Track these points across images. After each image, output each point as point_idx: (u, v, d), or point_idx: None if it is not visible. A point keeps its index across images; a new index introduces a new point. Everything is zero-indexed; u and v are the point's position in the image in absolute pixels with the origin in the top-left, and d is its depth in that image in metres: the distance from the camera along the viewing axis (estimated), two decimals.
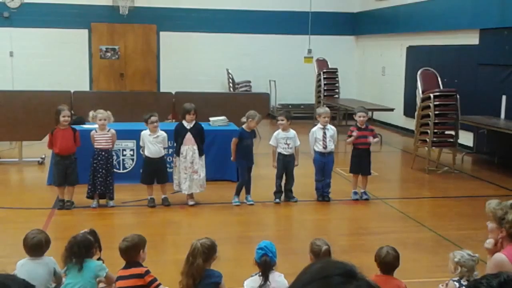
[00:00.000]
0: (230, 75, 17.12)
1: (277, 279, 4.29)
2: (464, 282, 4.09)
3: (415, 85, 11.73)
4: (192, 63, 17.65)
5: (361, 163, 8.64)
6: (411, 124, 13.13)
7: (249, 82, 17.54)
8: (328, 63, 17.22)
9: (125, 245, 4.43)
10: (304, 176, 8.87)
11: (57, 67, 16.81)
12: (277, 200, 8.41)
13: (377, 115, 15.57)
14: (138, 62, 17.86)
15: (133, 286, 4.36)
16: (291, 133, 8.37)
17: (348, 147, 9.48)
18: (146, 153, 8.15)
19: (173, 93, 11.19)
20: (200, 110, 9.52)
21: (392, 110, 14.75)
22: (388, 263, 4.29)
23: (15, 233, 5.99)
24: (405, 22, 15.39)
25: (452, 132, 10.89)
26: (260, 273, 4.27)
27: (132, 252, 4.43)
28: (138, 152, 9.16)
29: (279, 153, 8.33)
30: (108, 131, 8.03)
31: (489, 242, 4.37)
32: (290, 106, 17.48)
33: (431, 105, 10.61)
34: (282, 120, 8.38)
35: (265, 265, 4.25)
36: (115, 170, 8.38)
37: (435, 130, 10.75)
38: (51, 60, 16.82)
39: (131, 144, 9.32)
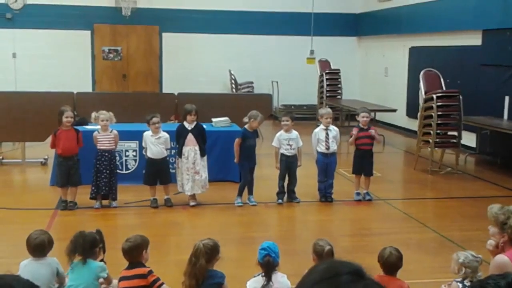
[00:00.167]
0: (233, 76, 17.13)
1: (280, 279, 4.29)
2: (467, 283, 4.09)
3: (418, 86, 11.73)
4: (194, 64, 17.66)
5: (363, 164, 8.64)
6: (413, 125, 13.11)
7: (252, 83, 17.55)
8: (331, 64, 17.21)
9: (128, 246, 4.44)
10: (307, 177, 8.87)
11: (59, 68, 16.83)
12: (280, 200, 8.41)
13: (379, 116, 15.56)
14: (141, 63, 17.89)
15: (136, 286, 4.36)
16: (293, 134, 8.37)
17: (350, 148, 9.47)
18: (148, 154, 8.15)
19: (176, 94, 11.20)
20: (202, 111, 9.52)
21: (394, 111, 14.75)
22: (391, 263, 4.29)
23: (18, 234, 5.99)
24: (408, 23, 15.38)
25: (455, 133, 10.87)
26: (263, 274, 4.27)
27: (135, 252, 4.44)
28: (140, 153, 9.16)
29: (282, 154, 8.33)
30: (110, 132, 8.04)
31: (490, 244, 4.36)
32: (292, 107, 17.48)
33: (434, 105, 10.60)
34: (287, 121, 8.37)
35: (268, 266, 4.25)
36: (117, 171, 8.39)
37: (438, 131, 10.74)
38: (53, 61, 16.85)
39: (133, 145, 9.33)
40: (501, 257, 3.93)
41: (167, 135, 8.14)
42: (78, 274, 4.43)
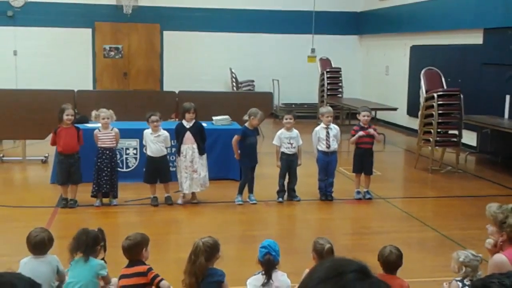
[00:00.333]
0: (234, 74, 17.12)
1: (280, 278, 4.30)
2: (467, 282, 4.09)
3: (419, 85, 11.72)
4: (195, 62, 17.66)
5: (363, 162, 8.64)
6: (414, 123, 13.11)
7: (253, 81, 17.55)
8: (332, 62, 17.21)
9: (128, 244, 4.45)
10: (307, 175, 8.87)
11: (60, 66, 16.84)
12: (280, 199, 8.41)
13: (380, 115, 15.55)
14: (142, 61, 17.89)
15: (136, 284, 4.37)
16: (294, 133, 8.37)
17: (351, 147, 9.47)
18: (148, 152, 8.17)
19: (177, 92, 11.19)
20: (203, 109, 9.52)
21: (395, 109, 14.74)
22: (391, 262, 4.29)
23: (18, 232, 6.00)
24: (409, 21, 15.37)
25: (456, 132, 10.87)
26: (263, 272, 4.28)
27: (135, 250, 4.45)
28: (141, 151, 9.18)
29: (282, 153, 8.32)
30: (111, 130, 8.04)
31: (489, 243, 4.36)
32: (293, 106, 17.47)
33: (435, 104, 10.59)
34: (291, 119, 8.37)
35: (268, 264, 4.25)
36: (118, 169, 8.39)
37: (439, 130, 10.73)
38: (54, 59, 16.85)
39: (134, 143, 9.33)
40: (500, 256, 3.93)
41: (166, 134, 8.13)
42: (78, 271, 4.44)
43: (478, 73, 12.22)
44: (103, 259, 4.62)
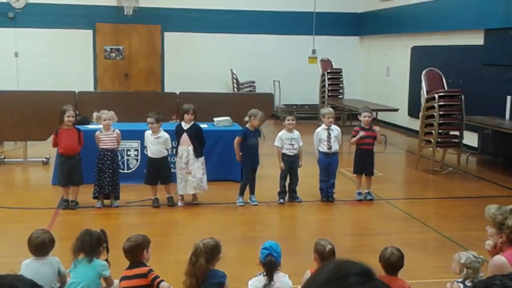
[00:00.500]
0: (234, 75, 17.13)
1: (281, 279, 4.30)
2: (468, 284, 4.08)
3: (420, 86, 11.72)
4: (196, 63, 17.66)
5: (364, 163, 8.63)
6: (415, 124, 13.10)
7: (253, 82, 17.55)
8: (333, 63, 17.21)
9: (129, 245, 4.45)
10: (308, 176, 8.87)
11: (61, 68, 16.85)
12: (281, 200, 8.41)
13: (381, 116, 15.54)
14: (143, 63, 17.89)
15: (137, 286, 4.37)
16: (295, 134, 8.37)
17: (352, 148, 9.46)
18: (148, 153, 8.18)
19: (178, 93, 11.20)
20: (204, 111, 9.52)
21: (396, 110, 14.74)
22: (392, 263, 4.29)
23: (19, 233, 6.01)
24: (410, 22, 15.36)
25: (457, 133, 10.86)
26: (265, 273, 4.27)
27: (136, 252, 4.45)
28: (142, 152, 9.19)
29: (284, 154, 8.32)
30: (113, 131, 8.04)
31: (488, 244, 4.36)
32: (294, 107, 17.48)
33: (436, 105, 10.59)
34: (293, 120, 8.36)
35: (270, 265, 4.25)
36: (120, 170, 8.38)
37: (440, 131, 10.73)
38: (55, 60, 16.86)
39: (135, 144, 9.34)
40: (499, 258, 3.93)
41: (167, 136, 8.10)
42: (81, 271, 4.45)
43: (479, 74, 12.21)
44: (106, 260, 4.62)
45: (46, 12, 16.80)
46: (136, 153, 9.38)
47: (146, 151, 8.34)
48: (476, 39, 12.36)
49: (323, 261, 4.25)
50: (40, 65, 16.69)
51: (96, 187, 7.96)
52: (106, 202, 8.07)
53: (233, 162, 8.80)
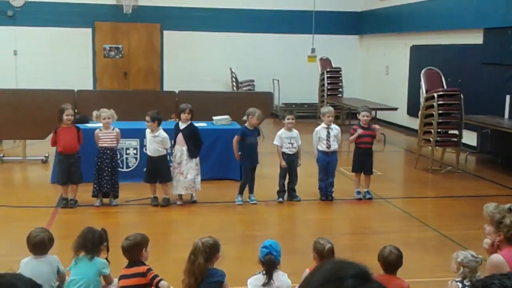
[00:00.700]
0: (234, 74, 17.13)
1: (281, 278, 4.30)
2: (467, 283, 4.08)
3: (419, 85, 11.72)
4: (195, 62, 17.66)
5: (363, 162, 8.64)
6: (414, 123, 13.11)
7: (253, 81, 17.55)
8: (332, 62, 17.21)
9: (127, 244, 4.45)
10: (308, 175, 8.87)
11: (60, 66, 16.84)
12: (280, 199, 8.41)
13: (380, 115, 15.53)
14: (142, 61, 17.89)
15: (136, 284, 4.37)
16: (294, 133, 8.37)
17: (351, 147, 9.47)
18: (147, 151, 8.18)
19: (177, 92, 11.19)
20: (203, 109, 9.52)
21: (395, 109, 14.74)
22: (391, 262, 4.29)
23: (18, 232, 6.00)
24: (409, 21, 15.37)
25: (456, 132, 10.87)
26: (264, 272, 4.28)
27: (134, 251, 4.45)
28: (141, 151, 9.19)
29: (283, 153, 8.32)
30: (113, 130, 8.04)
31: (486, 242, 4.36)
32: (293, 105, 17.48)
33: (435, 104, 10.59)
34: (293, 120, 8.36)
35: (270, 264, 4.25)
36: (119, 169, 8.38)
37: (439, 130, 10.73)
38: (54, 59, 16.85)
39: (134, 143, 9.33)
40: (497, 256, 3.94)
41: (164, 135, 8.04)
42: (81, 269, 4.45)
43: (478, 73, 12.22)
44: (106, 259, 4.63)
45: (45, 11, 16.79)
46: (135, 151, 9.38)
47: (145, 150, 8.33)
48: (475, 38, 12.36)
49: (322, 260, 4.25)
50: (39, 64, 16.68)
51: (95, 186, 7.95)
52: (105, 200, 8.06)
53: (232, 161, 8.79)
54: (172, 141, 8.40)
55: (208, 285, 4.22)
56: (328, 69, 16.87)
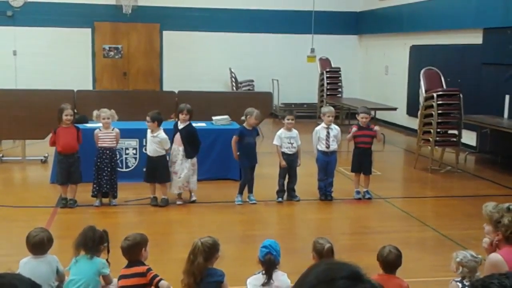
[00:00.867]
0: (233, 74, 17.12)
1: (280, 278, 4.30)
2: (466, 283, 4.08)
3: (418, 85, 11.72)
4: (195, 62, 17.66)
5: (362, 162, 8.64)
6: (414, 123, 13.11)
7: (252, 81, 17.55)
8: (331, 62, 17.21)
9: (127, 244, 4.44)
10: (307, 175, 8.87)
11: (60, 66, 16.83)
12: (280, 199, 8.41)
13: (380, 114, 15.54)
14: (141, 61, 17.88)
15: (136, 284, 4.37)
16: (294, 133, 8.37)
17: (351, 147, 9.47)
18: (147, 151, 8.19)
19: (176, 92, 11.19)
20: (203, 109, 9.52)
21: (395, 109, 14.74)
22: (390, 262, 4.29)
23: (18, 232, 6.00)
24: (409, 21, 15.37)
25: (455, 132, 10.87)
26: (264, 272, 4.27)
27: (134, 251, 4.44)
28: (141, 151, 9.19)
29: (283, 153, 8.31)
30: (112, 130, 8.04)
31: (485, 242, 4.36)
32: (293, 105, 17.47)
33: (434, 104, 10.59)
34: (292, 120, 8.36)
35: (269, 264, 4.25)
36: (118, 169, 8.38)
37: (438, 130, 10.73)
38: (54, 59, 16.85)
39: (133, 143, 9.33)
40: (495, 256, 3.94)
41: (163, 136, 8.00)
42: (80, 268, 4.45)
43: (478, 73, 12.22)
44: (107, 260, 4.62)
45: (45, 11, 16.79)
46: (134, 151, 9.37)
47: (144, 149, 8.32)
48: (475, 38, 12.36)
49: (321, 259, 4.25)
50: (38, 64, 16.68)
51: (94, 186, 7.95)
52: (105, 200, 8.06)
53: (231, 161, 8.79)
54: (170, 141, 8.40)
55: (208, 285, 4.22)
56: (327, 69, 16.87)
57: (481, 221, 4.64)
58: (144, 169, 8.32)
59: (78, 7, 16.93)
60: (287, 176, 8.42)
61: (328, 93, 16.60)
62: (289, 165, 8.32)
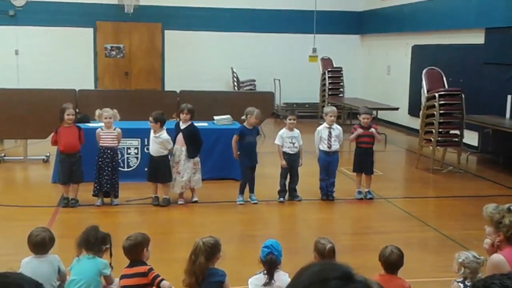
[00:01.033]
0: (235, 74, 17.12)
1: (282, 277, 4.29)
2: (468, 283, 4.08)
3: (420, 84, 11.71)
4: (196, 62, 17.65)
5: (363, 162, 8.63)
6: (415, 123, 13.10)
7: (254, 81, 17.54)
8: (333, 62, 17.20)
9: (128, 244, 4.44)
10: (309, 175, 8.86)
11: (62, 66, 16.83)
12: (281, 199, 8.40)
13: (381, 114, 15.53)
14: (143, 61, 17.89)
15: (137, 284, 4.37)
16: (295, 133, 8.36)
17: (352, 147, 9.46)
18: (150, 150, 8.19)
19: (178, 91, 11.19)
20: (204, 109, 9.52)
21: (397, 109, 14.73)
22: (392, 262, 4.28)
23: (19, 231, 6.00)
24: (411, 21, 15.36)
25: (457, 132, 10.86)
26: (265, 271, 4.27)
27: (135, 250, 4.45)
28: (142, 151, 9.20)
29: (284, 152, 8.31)
30: (114, 129, 8.04)
31: (487, 243, 4.36)
32: (294, 105, 17.47)
33: (436, 104, 10.58)
34: (294, 120, 8.36)
35: (271, 264, 4.25)
36: (119, 168, 8.39)
37: (440, 130, 10.72)
38: (56, 59, 16.86)
39: (135, 142, 9.33)
40: (497, 256, 3.94)
41: (166, 137, 8.00)
42: (81, 269, 4.45)
43: (480, 73, 12.20)
44: (110, 264, 4.61)
45: (47, 10, 16.80)
46: (136, 151, 9.38)
47: (148, 148, 8.33)
48: (477, 38, 12.35)
49: (323, 260, 4.24)
50: (40, 63, 16.69)
51: (96, 185, 7.96)
52: (106, 200, 8.06)
53: (233, 161, 8.78)
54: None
55: (209, 284, 4.21)
56: (329, 69, 16.87)
57: (483, 221, 4.64)
58: (146, 169, 8.33)
59: (80, 6, 16.94)
60: (288, 176, 8.42)
61: (330, 93, 16.59)
62: (291, 165, 8.32)
